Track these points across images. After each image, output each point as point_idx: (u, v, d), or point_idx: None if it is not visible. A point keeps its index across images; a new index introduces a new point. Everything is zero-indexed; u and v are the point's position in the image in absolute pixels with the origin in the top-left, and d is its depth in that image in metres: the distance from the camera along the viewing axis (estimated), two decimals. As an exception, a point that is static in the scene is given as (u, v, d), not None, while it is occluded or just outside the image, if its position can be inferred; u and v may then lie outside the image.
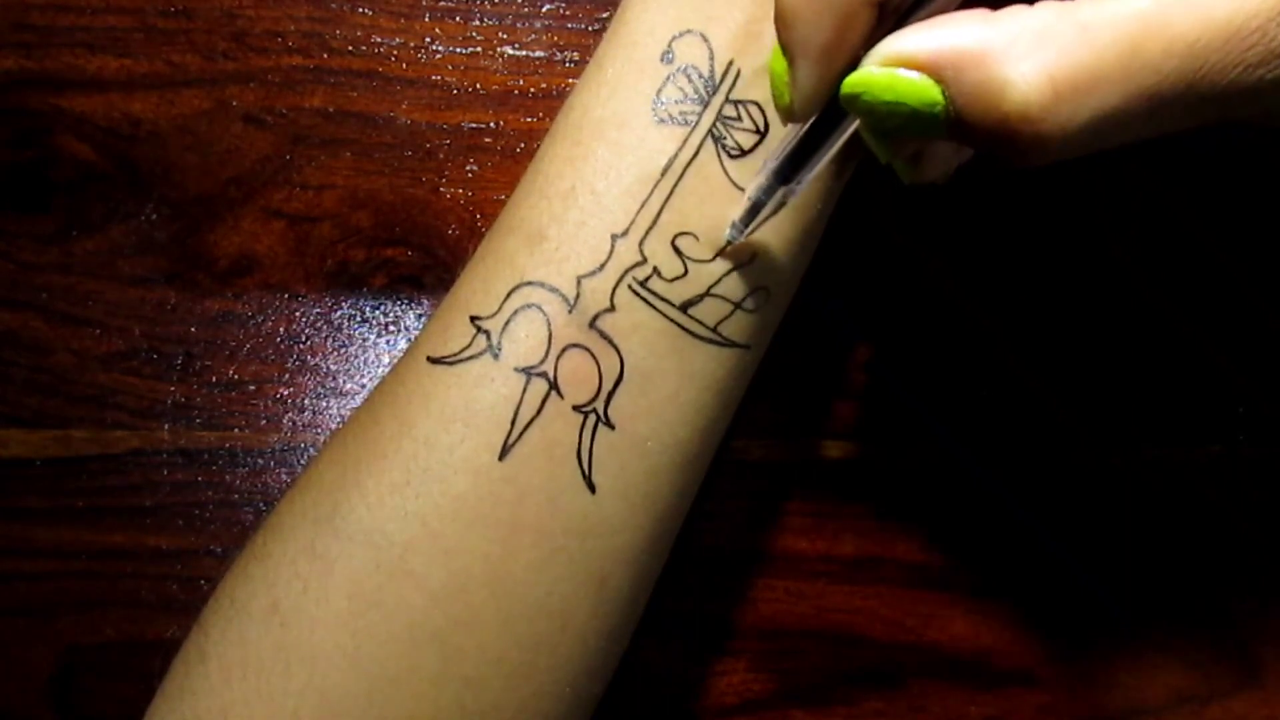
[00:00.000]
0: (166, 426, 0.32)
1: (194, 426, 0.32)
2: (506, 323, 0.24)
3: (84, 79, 0.32)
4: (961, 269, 0.30)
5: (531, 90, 0.33)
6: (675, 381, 0.25)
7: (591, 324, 0.24)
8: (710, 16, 0.25)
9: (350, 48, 0.32)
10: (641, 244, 0.24)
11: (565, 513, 0.24)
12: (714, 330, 0.25)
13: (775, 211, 0.23)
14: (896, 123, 0.19)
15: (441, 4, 0.33)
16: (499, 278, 0.25)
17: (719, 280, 0.25)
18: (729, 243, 0.24)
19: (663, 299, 0.24)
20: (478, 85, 0.33)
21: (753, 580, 0.33)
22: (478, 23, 0.33)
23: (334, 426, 0.33)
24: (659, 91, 0.25)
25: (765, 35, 0.24)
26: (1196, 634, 0.32)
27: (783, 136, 0.23)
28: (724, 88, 0.25)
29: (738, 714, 0.32)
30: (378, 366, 0.33)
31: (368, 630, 0.23)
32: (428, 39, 0.33)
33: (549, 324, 0.24)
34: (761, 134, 0.25)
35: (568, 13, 0.33)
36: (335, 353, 0.33)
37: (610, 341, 0.24)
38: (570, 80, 0.32)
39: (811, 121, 0.21)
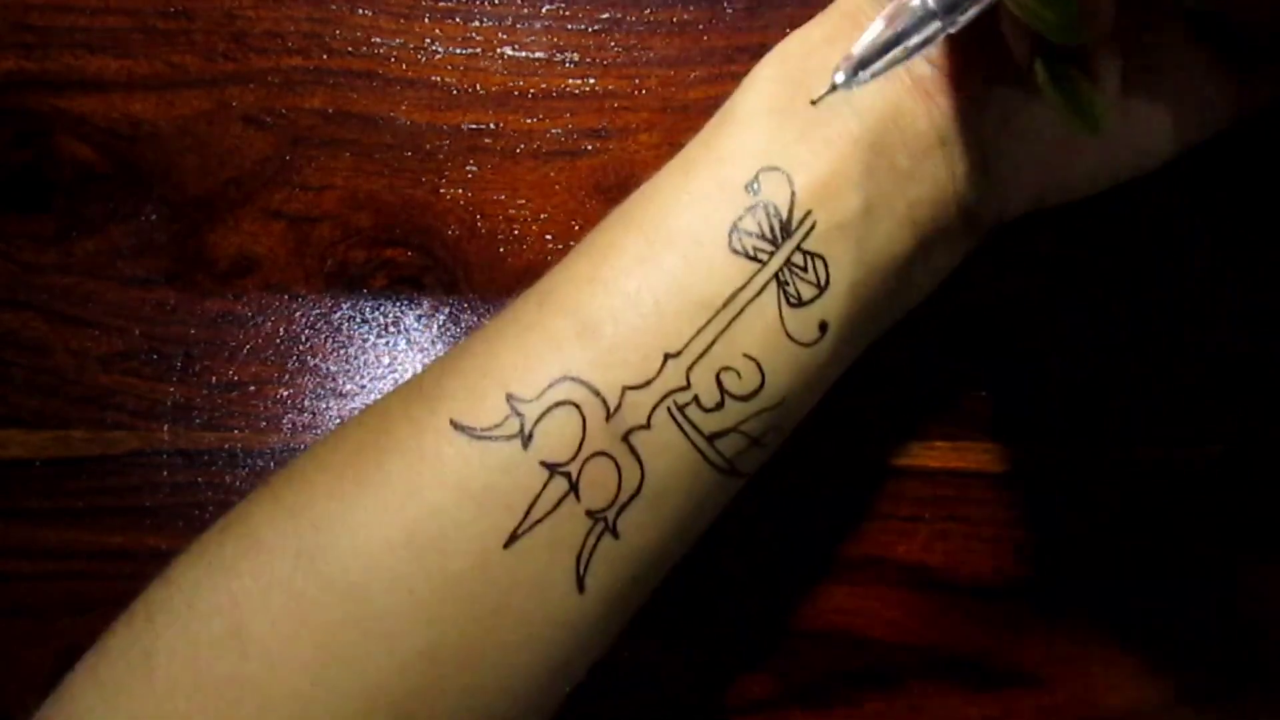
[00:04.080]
0: (166, 427, 0.32)
1: (194, 427, 0.32)
2: (543, 414, 0.24)
3: (84, 79, 0.32)
4: (960, 270, 0.30)
5: (531, 91, 0.33)
6: (683, 502, 0.25)
7: (625, 436, 0.24)
8: (798, 160, 0.25)
9: (350, 48, 0.33)
10: (690, 370, 0.24)
11: (550, 605, 0.24)
12: (729, 461, 0.25)
13: (913, 52, 0.21)
14: None
15: (441, 4, 0.33)
16: (544, 361, 0.24)
17: (748, 419, 0.25)
18: (834, 87, 0.21)
19: (695, 427, 0.25)
20: (477, 86, 0.33)
21: (753, 580, 0.33)
22: (477, 23, 0.33)
23: (334, 427, 0.33)
24: (739, 220, 0.25)
25: (843, 194, 0.25)
26: (1196, 634, 0.32)
27: None
28: (798, 235, 0.25)
29: (738, 714, 0.32)
30: (377, 367, 0.33)
31: (329, 683, 0.23)
32: (427, 40, 0.33)
33: (584, 426, 0.24)
34: (821, 289, 0.25)
35: (568, 13, 0.33)
36: (335, 353, 0.33)
37: (637, 456, 0.24)
38: (570, 80, 0.32)
39: None
